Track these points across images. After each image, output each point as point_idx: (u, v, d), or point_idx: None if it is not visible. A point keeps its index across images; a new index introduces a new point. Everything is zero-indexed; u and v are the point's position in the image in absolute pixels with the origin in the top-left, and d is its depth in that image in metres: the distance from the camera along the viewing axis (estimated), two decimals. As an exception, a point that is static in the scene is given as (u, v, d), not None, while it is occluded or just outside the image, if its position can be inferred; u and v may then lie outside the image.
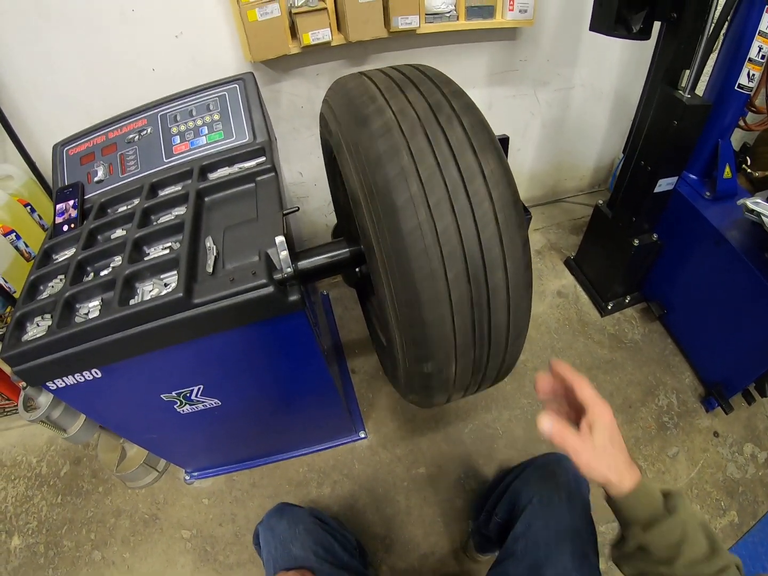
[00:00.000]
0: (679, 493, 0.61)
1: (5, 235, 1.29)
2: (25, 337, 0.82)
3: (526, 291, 0.65)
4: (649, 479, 0.64)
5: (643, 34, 1.23)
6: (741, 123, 1.79)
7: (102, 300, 0.84)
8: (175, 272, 0.81)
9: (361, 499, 1.42)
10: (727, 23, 1.32)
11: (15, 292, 1.29)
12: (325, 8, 1.22)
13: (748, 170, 1.78)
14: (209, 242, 0.84)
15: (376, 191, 0.59)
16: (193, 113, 1.08)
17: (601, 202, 1.69)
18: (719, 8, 1.34)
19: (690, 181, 1.58)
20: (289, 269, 0.76)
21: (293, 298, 0.78)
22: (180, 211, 0.95)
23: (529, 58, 1.64)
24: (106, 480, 1.53)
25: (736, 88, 1.35)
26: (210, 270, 0.79)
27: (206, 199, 0.96)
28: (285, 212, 0.83)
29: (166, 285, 0.81)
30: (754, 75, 1.33)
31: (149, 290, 0.82)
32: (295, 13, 1.20)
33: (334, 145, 0.75)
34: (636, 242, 1.58)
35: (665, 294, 1.75)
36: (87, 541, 1.42)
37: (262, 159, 1.00)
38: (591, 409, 0.62)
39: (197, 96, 1.10)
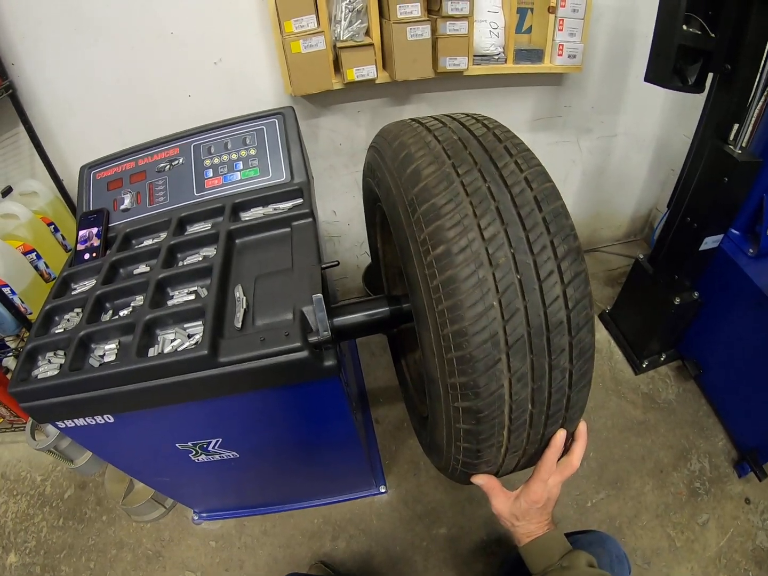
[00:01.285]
0: (580, 553, 0.68)
1: (26, 253, 1.26)
2: (36, 373, 0.77)
3: (586, 384, 0.59)
4: (557, 533, 0.73)
5: (698, 86, 1.20)
6: None
7: (119, 343, 0.79)
8: (200, 322, 0.76)
9: (378, 556, 1.35)
10: None
11: (31, 313, 1.25)
12: (372, 44, 1.19)
13: None
14: (239, 292, 0.78)
15: (437, 268, 0.52)
16: (228, 146, 1.04)
17: (641, 256, 1.63)
18: None
19: (733, 237, 1.50)
20: (326, 332, 0.70)
21: (329, 363, 0.72)
22: (208, 251, 0.90)
23: (574, 105, 1.61)
24: (110, 510, 1.48)
25: None
26: (239, 325, 0.73)
27: (237, 241, 0.91)
28: (324, 266, 0.77)
29: (189, 336, 0.75)
30: None
31: (171, 339, 0.76)
32: (340, 48, 1.18)
33: (386, 204, 0.69)
34: (677, 300, 1.51)
35: (702, 353, 1.67)
36: (86, 569, 1.38)
37: (299, 201, 0.95)
38: (531, 480, 0.72)
39: (233, 128, 1.06)
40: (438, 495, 1.45)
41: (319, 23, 1.14)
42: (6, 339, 1.33)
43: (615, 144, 1.77)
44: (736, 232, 1.51)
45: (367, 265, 1.83)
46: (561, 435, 0.65)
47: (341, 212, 1.71)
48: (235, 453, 0.96)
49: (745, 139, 1.26)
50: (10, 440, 1.69)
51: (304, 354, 0.69)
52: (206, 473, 1.05)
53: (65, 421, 0.80)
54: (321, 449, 1.07)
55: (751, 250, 1.44)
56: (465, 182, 0.54)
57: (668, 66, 1.14)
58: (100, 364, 0.75)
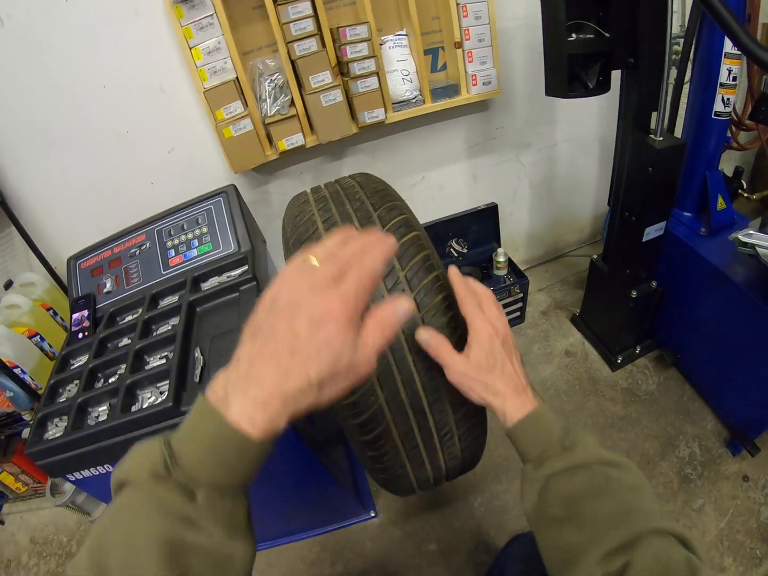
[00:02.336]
0: (582, 431, 0.59)
1: (31, 337, 1.59)
2: (47, 436, 1.05)
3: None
4: (552, 411, 0.64)
5: (602, 88, 1.30)
6: (734, 144, 1.88)
7: (110, 404, 1.07)
8: (168, 381, 1.06)
9: (373, 576, 1.51)
10: (692, 53, 1.42)
11: (41, 389, 1.58)
12: (296, 114, 1.46)
13: (745, 195, 1.77)
14: (197, 353, 1.08)
15: None
16: (185, 227, 1.34)
17: (595, 256, 1.79)
18: (678, 44, 1.47)
19: (684, 220, 1.66)
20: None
21: None
22: (175, 321, 1.20)
23: (506, 125, 1.83)
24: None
25: (713, 116, 1.44)
26: (197, 380, 1.03)
27: (198, 309, 1.20)
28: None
29: (161, 393, 1.05)
30: (729, 99, 1.40)
31: (148, 397, 1.05)
32: (269, 123, 1.45)
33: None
34: (634, 294, 1.64)
35: (676, 339, 1.79)
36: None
37: (245, 268, 1.23)
38: (470, 325, 0.65)
39: (187, 210, 1.36)
40: (425, 514, 1.62)
41: (246, 105, 1.43)
42: (22, 413, 1.68)
43: (558, 152, 1.98)
44: (687, 214, 1.66)
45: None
46: (452, 270, 0.69)
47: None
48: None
49: (665, 124, 1.38)
50: (36, 507, 1.99)
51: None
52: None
53: (74, 474, 1.07)
54: (299, 488, 1.28)
55: (703, 229, 1.59)
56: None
57: (563, 78, 1.26)
58: (95, 423, 1.03)
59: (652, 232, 1.55)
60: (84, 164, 1.56)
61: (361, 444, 0.84)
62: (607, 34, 1.22)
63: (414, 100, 1.61)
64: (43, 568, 1.83)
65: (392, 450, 0.81)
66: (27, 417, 1.66)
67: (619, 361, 1.89)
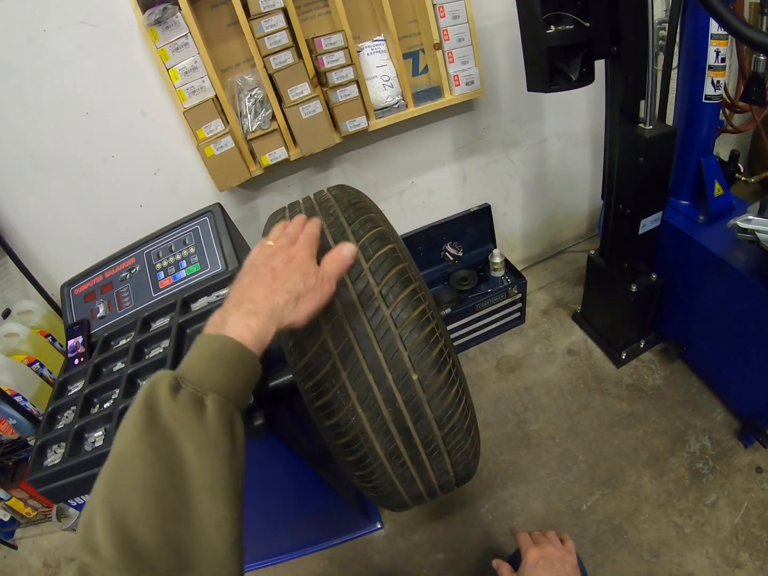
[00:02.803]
0: None
1: (30, 364, 1.62)
2: (46, 462, 1.07)
3: (443, 388, 0.77)
4: None
5: (585, 79, 1.27)
6: (729, 128, 1.88)
7: (105, 430, 1.10)
8: (161, 405, 1.09)
9: (382, 588, 1.50)
10: (678, 37, 1.39)
11: (42, 414, 1.62)
12: (277, 128, 1.48)
13: (743, 178, 1.76)
14: (187, 375, 1.11)
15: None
16: (173, 248, 1.36)
17: (592, 251, 1.78)
18: (663, 29, 1.44)
19: (681, 209, 1.65)
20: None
21: (257, 422, 0.98)
22: (167, 343, 1.23)
23: (492, 124, 1.84)
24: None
25: (703, 101, 1.43)
26: (187, 402, 1.06)
27: (188, 330, 1.22)
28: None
29: (154, 417, 1.09)
30: (719, 82, 1.39)
31: (142, 422, 1.09)
32: (251, 139, 1.47)
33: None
34: (634, 288, 1.63)
35: (681, 331, 1.77)
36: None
37: (233, 286, 1.27)
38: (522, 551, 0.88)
39: (174, 232, 1.38)
40: (432, 523, 1.60)
41: (227, 123, 1.44)
42: (27, 439, 1.72)
43: (548, 148, 1.98)
44: (684, 202, 1.65)
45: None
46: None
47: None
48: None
49: (655, 112, 1.37)
50: (48, 530, 2.02)
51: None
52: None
53: (75, 499, 1.09)
54: (302, 504, 1.29)
55: (701, 217, 1.58)
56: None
57: (544, 72, 1.24)
58: (92, 449, 1.05)
59: (648, 223, 1.54)
60: (73, 190, 1.59)
61: (347, 464, 0.84)
62: (586, 24, 1.19)
63: (396, 106, 1.62)
64: None
65: (379, 469, 0.82)
66: (32, 442, 1.70)
67: (623, 357, 1.87)
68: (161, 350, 1.23)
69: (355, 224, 0.83)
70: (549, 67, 1.23)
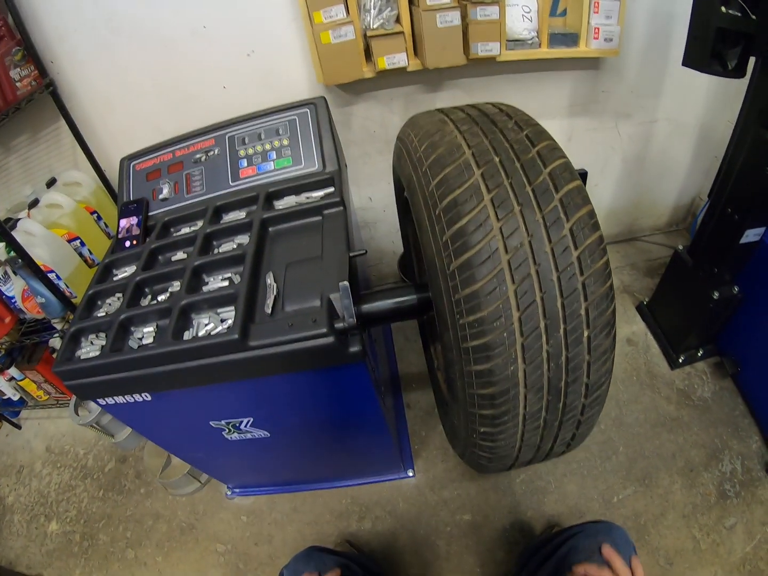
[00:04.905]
0: None
1: (70, 241, 1.33)
2: (79, 353, 0.82)
3: (607, 352, 0.62)
4: None
5: (738, 71, 1.13)
6: None
7: (157, 326, 0.83)
8: (233, 308, 0.79)
9: (402, 538, 1.37)
10: None
11: (76, 297, 1.32)
12: (402, 32, 1.18)
13: None
14: (270, 279, 0.81)
15: (453, 252, 0.55)
16: (262, 137, 1.06)
17: (681, 247, 1.57)
18: None
19: None
20: (351, 319, 0.71)
21: (354, 349, 0.73)
22: (242, 239, 0.93)
23: (612, 89, 1.55)
24: (148, 483, 1.56)
25: None
26: (269, 311, 0.76)
27: (270, 229, 0.93)
28: (352, 255, 0.78)
29: (222, 321, 0.78)
30: None
31: (205, 323, 0.79)
32: (371, 36, 1.17)
33: (408, 190, 0.70)
34: (716, 295, 1.45)
35: (741, 350, 1.60)
36: (122, 538, 1.45)
37: (331, 190, 0.97)
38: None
39: (267, 119, 1.08)
40: (464, 482, 1.46)
41: (348, 13, 1.15)
42: (53, 321, 1.41)
43: (656, 130, 1.70)
44: None
45: (402, 252, 1.83)
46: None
47: (377, 198, 1.71)
48: (266, 432, 1.00)
49: None
50: (56, 415, 1.80)
51: (329, 340, 0.71)
52: (239, 451, 1.10)
53: (106, 399, 0.85)
54: (348, 432, 1.09)
55: None
56: (483, 172, 0.56)
57: (706, 50, 1.09)
58: (139, 346, 0.79)
59: (751, 235, 1.33)
60: (150, 61, 1.28)
61: (478, 417, 0.66)
62: (753, 16, 1.02)
63: (530, 42, 1.34)
64: (56, 478, 1.66)
65: (511, 428, 0.65)
66: (58, 325, 1.40)
67: (680, 360, 1.69)
68: (234, 246, 0.95)
69: (541, 147, 0.62)
70: (712, 47, 1.08)
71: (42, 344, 1.61)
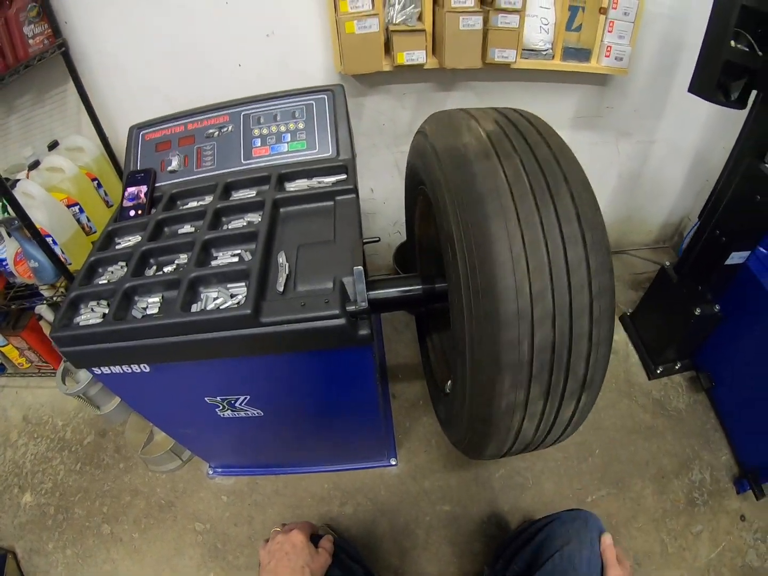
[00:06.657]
0: None
1: (69, 206, 1.30)
2: (78, 320, 0.80)
3: (607, 345, 0.62)
4: None
5: (740, 103, 1.18)
6: None
7: (163, 297, 0.82)
8: (243, 283, 0.78)
9: (381, 526, 1.38)
10: None
11: (71, 264, 1.29)
12: (423, 30, 1.19)
13: None
14: (282, 258, 0.81)
15: (475, 244, 0.56)
16: (278, 118, 1.06)
17: (668, 263, 1.62)
18: None
19: (759, 255, 1.49)
20: (364, 303, 0.72)
21: (363, 332, 0.74)
22: (252, 217, 0.92)
23: (616, 107, 1.59)
24: (128, 458, 1.53)
25: None
26: (281, 289, 0.76)
27: (281, 210, 0.93)
28: (365, 241, 0.79)
29: (232, 296, 0.78)
30: None
31: (214, 297, 0.78)
32: (392, 31, 1.18)
33: (429, 184, 0.71)
34: (697, 311, 1.50)
35: (716, 367, 1.66)
36: (99, 513, 1.43)
37: (344, 177, 0.96)
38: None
39: (283, 101, 1.07)
40: (446, 473, 1.47)
41: (373, 5, 1.15)
42: (41, 287, 1.38)
43: (653, 150, 1.75)
44: (763, 250, 1.48)
45: (398, 244, 1.85)
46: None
47: (378, 190, 1.72)
48: (259, 411, 1.00)
49: None
50: (36, 385, 1.76)
51: (341, 321, 0.71)
52: (229, 429, 1.09)
53: (101, 368, 0.83)
54: (343, 415, 1.09)
55: None
56: (508, 174, 0.57)
57: (713, 79, 1.14)
58: (143, 316, 0.78)
59: (736, 257, 1.39)
60: (168, 29, 1.26)
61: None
62: (760, 53, 1.08)
63: (545, 53, 1.36)
64: (32, 449, 1.62)
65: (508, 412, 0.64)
66: (46, 293, 1.36)
67: (658, 372, 1.75)
68: (244, 223, 0.93)
69: (565, 165, 0.67)
70: (718, 78, 1.14)
71: (29, 310, 1.56)
